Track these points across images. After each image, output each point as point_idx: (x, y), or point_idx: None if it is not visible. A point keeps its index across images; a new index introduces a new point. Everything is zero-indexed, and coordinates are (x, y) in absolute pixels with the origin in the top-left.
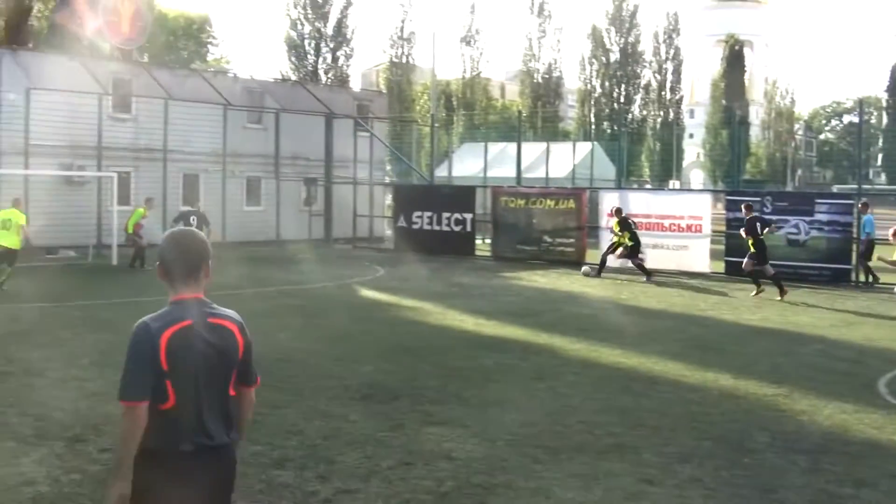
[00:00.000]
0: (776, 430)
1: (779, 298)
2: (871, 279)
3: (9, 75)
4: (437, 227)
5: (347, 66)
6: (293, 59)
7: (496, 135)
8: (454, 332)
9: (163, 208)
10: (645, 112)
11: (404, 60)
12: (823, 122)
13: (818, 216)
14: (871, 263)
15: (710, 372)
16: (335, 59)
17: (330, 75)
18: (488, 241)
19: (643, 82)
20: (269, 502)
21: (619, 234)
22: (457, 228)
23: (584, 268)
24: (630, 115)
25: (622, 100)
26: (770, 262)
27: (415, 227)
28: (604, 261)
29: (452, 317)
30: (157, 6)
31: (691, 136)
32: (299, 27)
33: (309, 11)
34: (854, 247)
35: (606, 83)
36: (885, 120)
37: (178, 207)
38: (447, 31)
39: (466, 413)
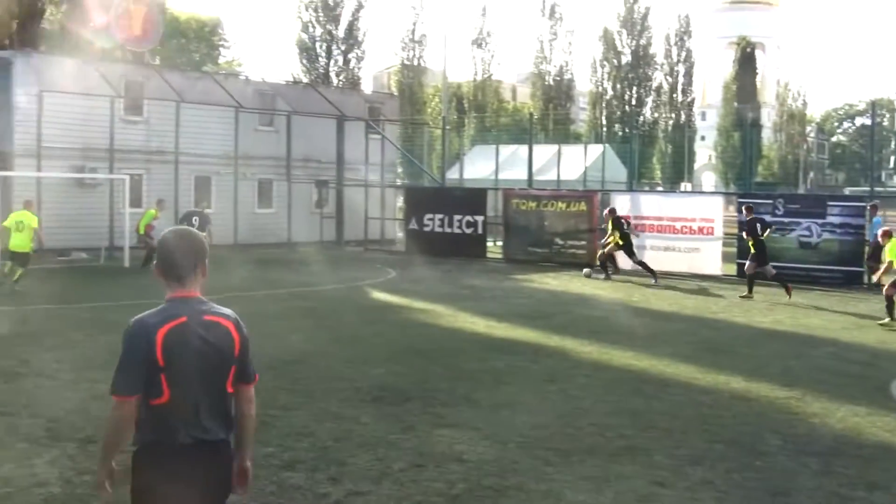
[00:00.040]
0: (788, 432)
1: (788, 298)
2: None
3: (21, 78)
4: (448, 230)
5: (359, 68)
6: (304, 61)
7: (507, 137)
8: (465, 334)
9: (174, 210)
10: (656, 114)
11: (415, 63)
12: (836, 124)
13: (830, 219)
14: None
15: (722, 374)
16: (346, 62)
17: (341, 78)
18: (499, 243)
19: (655, 84)
20: None
21: (612, 232)
22: (468, 231)
23: (586, 270)
24: (641, 118)
25: (634, 102)
26: (782, 264)
27: (426, 229)
28: (603, 263)
29: (464, 319)
30: (169, 9)
31: (703, 138)
32: (311, 30)
33: (320, 14)
34: (866, 249)
35: (618, 85)
36: None
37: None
38: (458, 33)
39: (477, 415)
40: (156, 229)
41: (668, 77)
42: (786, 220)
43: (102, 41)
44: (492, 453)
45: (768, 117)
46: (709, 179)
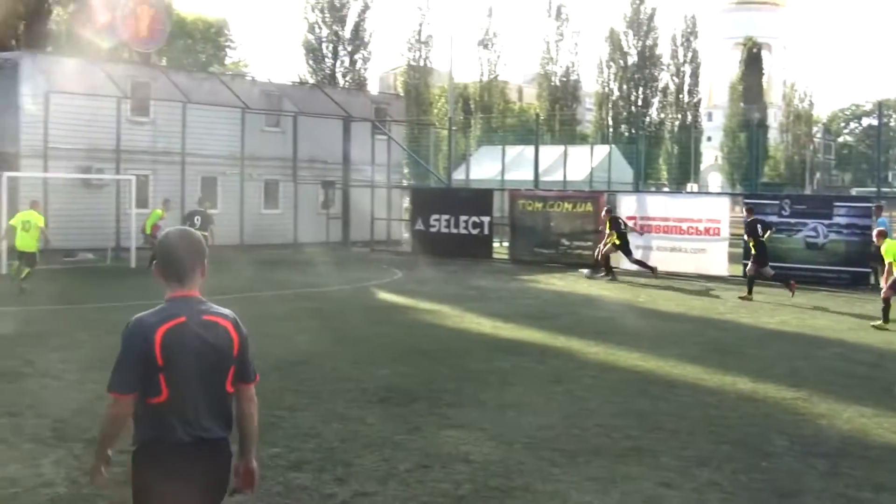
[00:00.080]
0: (795, 433)
1: (791, 295)
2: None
3: (28, 78)
4: (454, 231)
5: (365, 69)
6: (311, 62)
7: (514, 138)
8: (471, 335)
9: (180, 210)
10: (662, 115)
11: (422, 63)
12: (842, 124)
13: (837, 219)
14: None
15: (729, 375)
16: (353, 63)
17: (347, 78)
18: (506, 244)
19: (661, 85)
20: None
21: (609, 232)
22: (474, 231)
23: (585, 270)
24: (648, 118)
25: (640, 103)
26: (789, 265)
27: (432, 230)
28: (606, 263)
29: (470, 320)
30: (176, 10)
31: (709, 139)
32: (317, 31)
33: (327, 15)
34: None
35: (624, 86)
36: None
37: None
38: (464, 34)
39: (484, 416)
40: (162, 230)
41: (674, 78)
42: (792, 220)
43: (108, 42)
44: (498, 454)
45: (775, 118)
46: (715, 180)
